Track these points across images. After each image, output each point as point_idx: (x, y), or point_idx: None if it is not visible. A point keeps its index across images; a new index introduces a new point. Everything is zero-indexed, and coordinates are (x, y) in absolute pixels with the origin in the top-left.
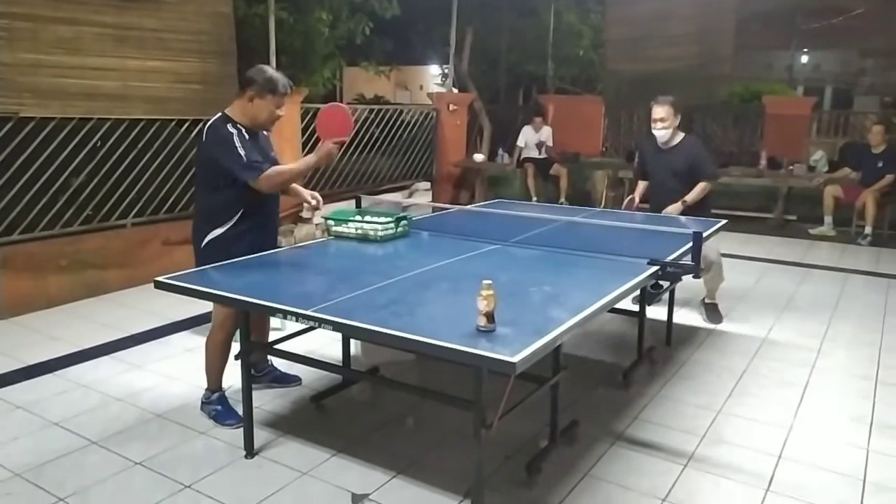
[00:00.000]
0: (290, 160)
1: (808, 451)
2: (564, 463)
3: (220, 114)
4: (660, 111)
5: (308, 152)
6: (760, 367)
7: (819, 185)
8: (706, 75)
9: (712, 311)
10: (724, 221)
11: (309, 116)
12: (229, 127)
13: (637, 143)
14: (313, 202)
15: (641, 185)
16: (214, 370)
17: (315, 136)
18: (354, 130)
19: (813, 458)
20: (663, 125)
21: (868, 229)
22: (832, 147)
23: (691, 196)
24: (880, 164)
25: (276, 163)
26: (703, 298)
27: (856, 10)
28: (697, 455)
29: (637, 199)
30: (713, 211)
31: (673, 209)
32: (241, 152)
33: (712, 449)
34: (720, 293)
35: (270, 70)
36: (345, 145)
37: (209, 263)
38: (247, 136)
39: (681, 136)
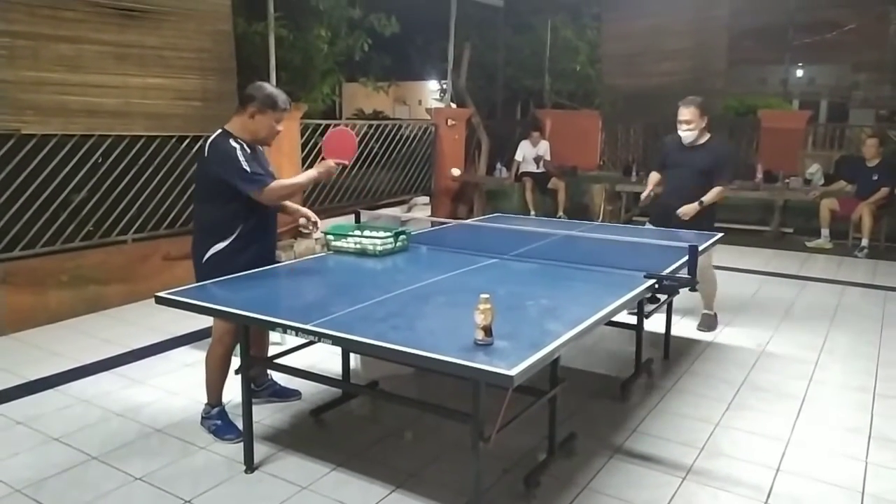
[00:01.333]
0: (290, 175)
1: (807, 463)
2: (563, 476)
3: (220, 130)
4: (686, 113)
5: (307, 168)
6: (758, 379)
7: (815, 197)
8: (701, 90)
9: (708, 320)
10: (720, 235)
11: (308, 132)
12: (231, 142)
13: (663, 140)
14: (313, 218)
15: (655, 177)
16: (214, 385)
17: (315, 152)
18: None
19: (811, 470)
20: (688, 126)
21: (864, 242)
22: (828, 160)
23: (708, 198)
24: (875, 177)
25: (274, 177)
26: (703, 310)
27: (848, 25)
28: (696, 468)
29: (650, 190)
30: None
31: (689, 209)
32: (245, 165)
33: (711, 462)
34: (718, 304)
35: (269, 87)
36: (346, 168)
37: (210, 278)
38: (248, 151)
39: (707, 136)
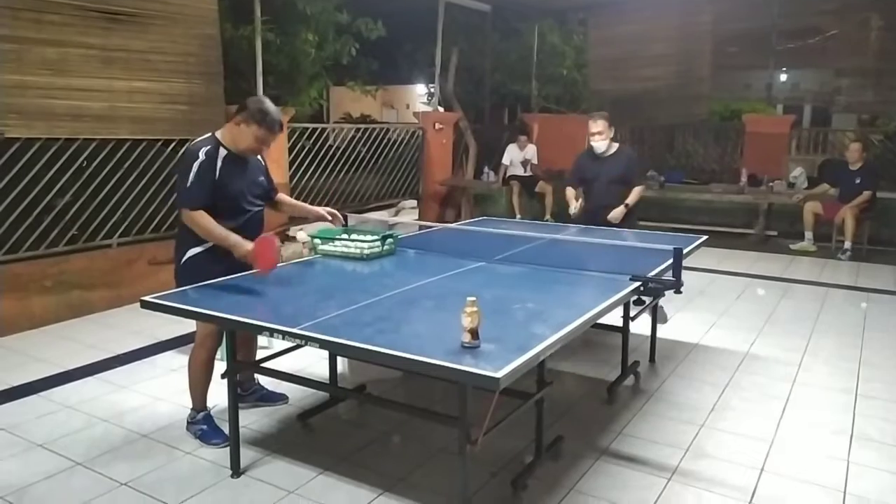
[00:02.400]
0: (276, 178)
1: (790, 464)
2: (550, 478)
3: (207, 135)
4: (596, 126)
5: (294, 171)
6: (742, 381)
7: (799, 201)
8: (686, 95)
9: (659, 312)
10: (704, 238)
11: (295, 136)
12: (202, 152)
13: (576, 156)
14: (329, 219)
15: (572, 191)
16: (198, 389)
17: (302, 154)
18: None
19: (795, 470)
20: (600, 137)
21: (847, 244)
22: (811, 164)
23: (631, 199)
24: (858, 181)
25: (265, 188)
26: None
27: (830, 31)
28: (681, 469)
29: (577, 204)
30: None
31: (617, 213)
32: (190, 178)
33: (696, 463)
34: (705, 307)
35: (268, 104)
36: (255, 267)
37: (188, 280)
38: (217, 166)
39: (616, 146)
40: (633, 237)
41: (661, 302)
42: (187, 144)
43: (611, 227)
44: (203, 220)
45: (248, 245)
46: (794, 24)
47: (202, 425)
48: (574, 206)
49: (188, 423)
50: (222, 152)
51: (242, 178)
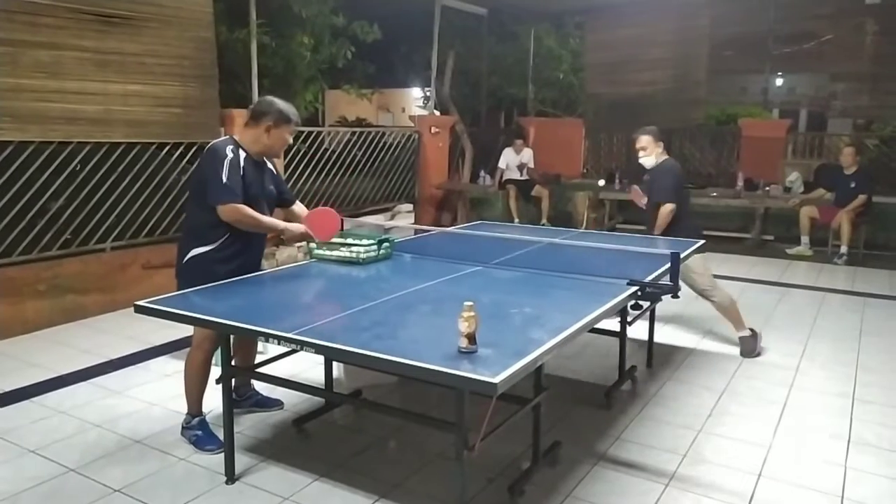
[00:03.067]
0: None
1: (788, 468)
2: (547, 484)
3: (227, 136)
4: (638, 142)
5: (290, 174)
6: (740, 385)
7: (795, 205)
8: (682, 99)
9: (746, 343)
10: (701, 242)
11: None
12: (228, 150)
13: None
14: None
15: (636, 189)
16: (194, 393)
17: (297, 158)
18: (338, 154)
19: (792, 475)
20: (644, 153)
21: (844, 249)
22: (807, 168)
23: (657, 228)
24: (853, 185)
25: (281, 195)
26: (737, 334)
27: (826, 35)
28: (679, 474)
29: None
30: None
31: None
32: (224, 174)
33: (693, 468)
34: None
35: (280, 102)
36: (314, 240)
37: (189, 279)
38: (241, 165)
39: (662, 159)
40: (630, 241)
41: (658, 307)
42: (208, 145)
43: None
44: (248, 211)
45: (300, 227)
46: (789, 28)
47: (197, 431)
48: (642, 201)
49: (183, 428)
50: (242, 154)
51: (260, 183)
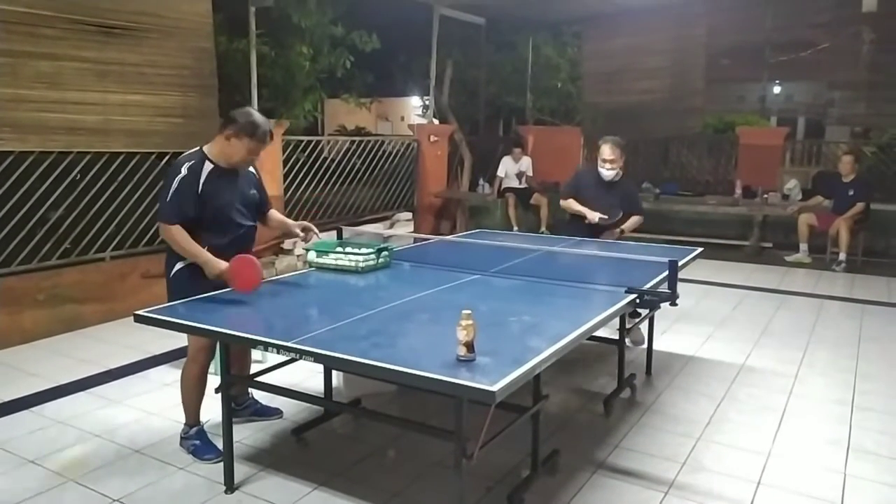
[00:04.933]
0: (270, 191)
1: (787, 476)
2: (546, 493)
3: (195, 149)
4: (610, 153)
5: (289, 184)
6: (739, 393)
7: (793, 213)
8: (679, 107)
9: (635, 332)
10: (699, 250)
11: (290, 148)
12: (185, 167)
13: (577, 170)
14: (301, 234)
15: (574, 202)
16: (191, 403)
17: (296, 167)
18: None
19: (791, 483)
20: (611, 166)
21: (842, 256)
22: (805, 176)
23: (627, 226)
24: (851, 193)
25: (257, 201)
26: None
27: (822, 44)
28: (678, 482)
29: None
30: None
31: (611, 236)
32: (170, 193)
33: (693, 476)
34: (701, 318)
35: (256, 115)
36: (232, 286)
37: (178, 293)
38: (200, 180)
39: (620, 174)
40: (629, 250)
41: (656, 315)
42: (177, 159)
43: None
44: (177, 236)
45: (222, 264)
46: (786, 37)
47: (195, 440)
48: (597, 216)
49: (181, 438)
50: (208, 166)
51: (231, 191)
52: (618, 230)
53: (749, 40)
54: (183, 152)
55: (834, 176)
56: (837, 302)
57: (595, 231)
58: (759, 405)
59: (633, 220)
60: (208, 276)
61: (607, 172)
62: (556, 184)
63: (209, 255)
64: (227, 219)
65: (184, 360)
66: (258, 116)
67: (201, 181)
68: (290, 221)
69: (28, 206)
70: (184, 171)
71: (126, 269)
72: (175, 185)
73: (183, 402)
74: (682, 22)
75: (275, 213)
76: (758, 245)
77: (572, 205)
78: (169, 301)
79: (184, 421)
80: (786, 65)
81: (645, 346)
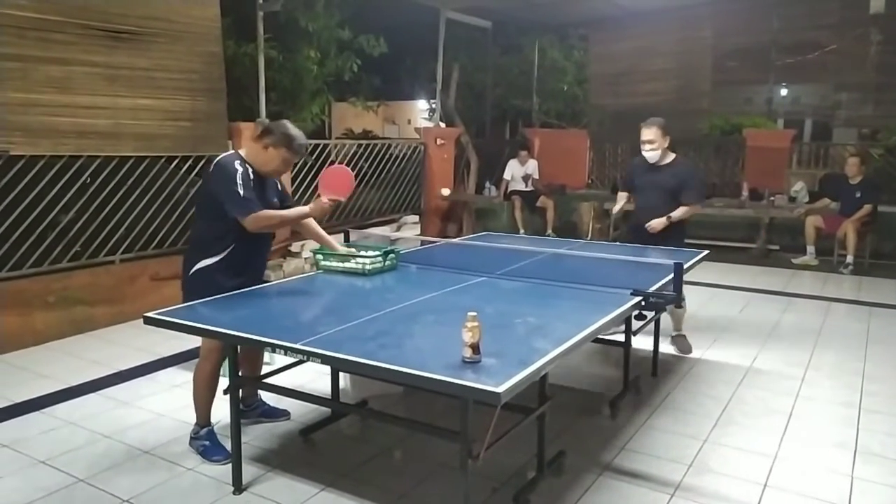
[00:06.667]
0: None
1: (794, 479)
2: (552, 494)
3: (232, 151)
4: (648, 133)
5: (297, 187)
6: (745, 395)
7: (800, 215)
8: (686, 109)
9: (681, 342)
10: (705, 252)
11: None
12: (237, 164)
13: (632, 160)
14: (341, 249)
15: (623, 195)
16: (202, 403)
17: (303, 171)
18: (348, 168)
19: (798, 486)
20: (651, 146)
21: (849, 258)
22: (812, 178)
23: (676, 214)
24: (858, 195)
25: (282, 205)
26: (672, 333)
27: (829, 45)
28: (684, 484)
29: (621, 206)
30: (686, 241)
31: (657, 223)
32: (239, 188)
33: (699, 478)
34: (708, 322)
35: (293, 128)
36: (341, 203)
37: (195, 291)
38: (251, 177)
39: (672, 156)
40: (635, 252)
41: (662, 317)
42: (215, 160)
43: (652, 240)
44: (271, 213)
45: (319, 202)
46: (793, 38)
47: (205, 441)
48: (617, 207)
49: (191, 438)
50: (248, 168)
51: (262, 196)
52: (663, 219)
53: (756, 42)
54: (191, 156)
55: (841, 178)
56: (844, 304)
57: (640, 227)
58: (765, 407)
59: (682, 210)
60: (321, 214)
61: (649, 154)
62: (563, 186)
63: (304, 208)
64: None
65: (193, 361)
66: (295, 130)
67: (251, 178)
68: (327, 236)
69: (39, 209)
70: (238, 167)
71: (136, 272)
72: (239, 179)
73: (194, 401)
74: (689, 24)
75: (312, 222)
76: (765, 247)
77: (618, 196)
78: (184, 300)
79: (193, 422)
80: (792, 67)
81: (692, 354)
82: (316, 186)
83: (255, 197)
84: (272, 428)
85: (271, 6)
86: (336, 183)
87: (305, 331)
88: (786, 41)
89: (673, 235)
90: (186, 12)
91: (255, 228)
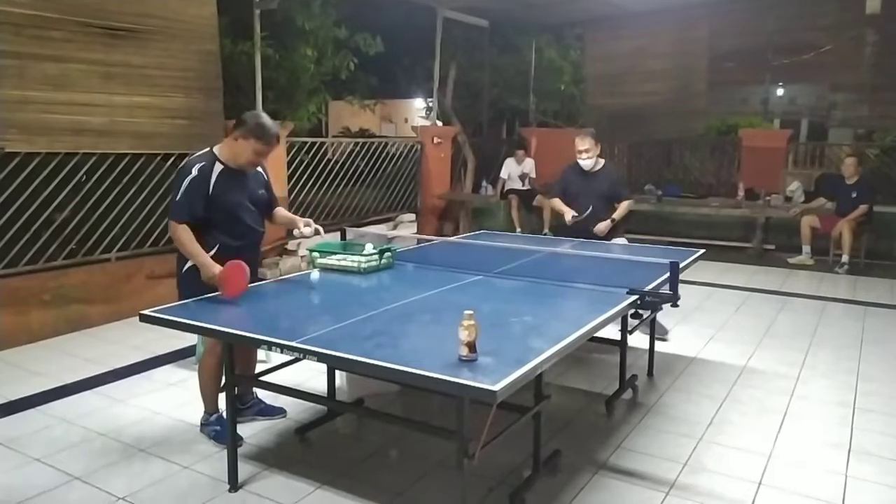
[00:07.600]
0: (275, 192)
1: (788, 478)
2: (548, 493)
3: (206, 150)
4: (583, 143)
5: (293, 185)
6: (741, 394)
7: (796, 215)
8: (683, 109)
9: (657, 325)
10: (701, 251)
11: (294, 150)
12: (196, 168)
13: (562, 169)
14: (306, 230)
15: (559, 202)
16: (210, 393)
17: (301, 168)
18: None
19: (793, 484)
20: (588, 155)
21: (845, 258)
22: (808, 178)
23: (618, 214)
24: (854, 195)
25: (266, 200)
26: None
27: (825, 46)
28: (679, 483)
29: (572, 213)
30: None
31: (603, 226)
32: (180, 193)
33: (694, 477)
34: (703, 321)
35: (265, 118)
36: (221, 290)
37: (188, 290)
38: (211, 180)
39: (602, 162)
40: (630, 251)
41: (659, 316)
42: (185, 159)
43: (599, 240)
44: (182, 235)
45: (216, 268)
46: (789, 39)
47: (216, 426)
48: (570, 216)
49: (201, 425)
50: (218, 167)
51: (241, 191)
52: (608, 221)
53: (752, 43)
54: (187, 154)
55: (837, 178)
56: (840, 304)
57: (586, 227)
58: (760, 407)
59: (623, 207)
60: (203, 279)
61: (585, 162)
62: None
63: (206, 259)
64: (237, 217)
65: (189, 359)
66: (267, 120)
67: (212, 182)
68: (297, 217)
69: (34, 206)
70: (194, 171)
71: (131, 270)
72: (185, 185)
73: (201, 392)
74: (685, 25)
75: (281, 210)
76: (760, 247)
77: (556, 204)
78: (180, 298)
79: (189, 419)
80: (789, 67)
81: (668, 339)
82: (313, 185)
83: (197, 207)
84: (268, 426)
85: (268, 4)
86: (234, 282)
87: (301, 329)
88: (782, 42)
89: (615, 233)
90: (183, 10)
91: (171, 234)
